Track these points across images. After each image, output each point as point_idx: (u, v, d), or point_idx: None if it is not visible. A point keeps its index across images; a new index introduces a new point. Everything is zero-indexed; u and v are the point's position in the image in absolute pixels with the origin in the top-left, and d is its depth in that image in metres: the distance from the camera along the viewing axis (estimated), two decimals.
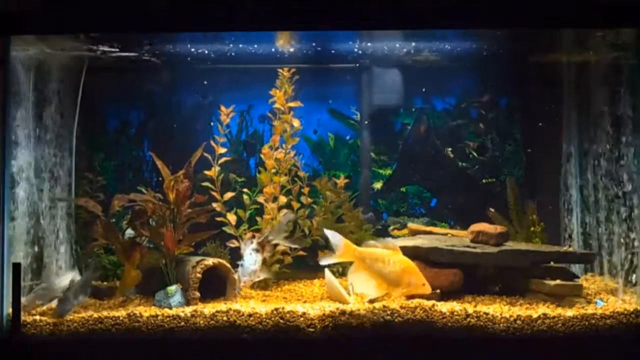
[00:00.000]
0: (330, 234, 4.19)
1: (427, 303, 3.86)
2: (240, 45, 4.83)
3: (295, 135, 5.13)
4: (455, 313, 3.81)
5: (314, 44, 4.92)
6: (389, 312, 3.81)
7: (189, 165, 4.48)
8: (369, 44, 4.98)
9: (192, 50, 4.93)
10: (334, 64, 5.48)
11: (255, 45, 4.88)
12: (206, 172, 4.97)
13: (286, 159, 5.08)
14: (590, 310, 3.94)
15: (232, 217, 4.98)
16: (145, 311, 3.91)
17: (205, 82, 5.55)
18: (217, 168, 4.98)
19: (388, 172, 5.71)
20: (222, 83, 5.55)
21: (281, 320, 3.81)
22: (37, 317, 3.90)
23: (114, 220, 4.83)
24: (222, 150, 5.00)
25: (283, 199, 5.04)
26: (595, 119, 4.81)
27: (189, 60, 5.15)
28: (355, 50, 5.09)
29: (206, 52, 4.98)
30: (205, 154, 4.81)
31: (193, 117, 5.67)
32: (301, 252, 5.05)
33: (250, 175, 5.56)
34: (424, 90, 5.70)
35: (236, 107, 5.14)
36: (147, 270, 4.38)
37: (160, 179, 4.49)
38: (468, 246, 4.37)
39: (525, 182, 5.51)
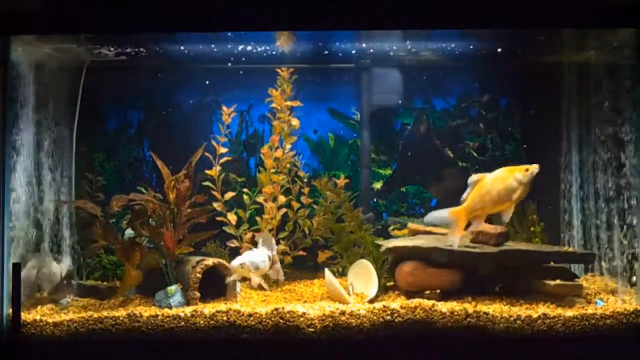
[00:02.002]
0: (438, 214, 4.10)
1: (427, 303, 3.86)
2: (241, 46, 4.83)
3: (293, 134, 5.13)
4: (455, 313, 3.81)
5: (314, 44, 4.92)
6: (389, 312, 3.81)
7: (189, 165, 4.48)
8: (368, 44, 4.98)
9: (192, 49, 4.93)
10: (334, 64, 5.47)
11: (255, 45, 4.88)
12: (207, 172, 4.97)
13: (285, 157, 5.09)
14: (590, 310, 3.94)
15: (232, 217, 4.99)
16: (145, 311, 3.91)
17: (206, 82, 5.55)
18: (219, 168, 4.98)
19: (388, 172, 5.71)
20: (222, 83, 5.55)
21: (281, 320, 3.80)
22: (37, 317, 3.90)
23: (114, 220, 4.82)
24: (223, 150, 5.00)
25: (283, 199, 5.05)
26: (595, 119, 4.81)
27: (189, 60, 5.15)
28: (356, 50, 5.09)
29: (206, 52, 4.97)
30: (207, 154, 4.81)
31: (194, 117, 5.67)
32: (301, 252, 5.07)
33: (250, 175, 5.56)
34: (424, 90, 5.70)
35: (236, 107, 5.14)
36: (147, 270, 4.38)
37: (161, 177, 4.48)
38: (468, 246, 4.37)
39: None
